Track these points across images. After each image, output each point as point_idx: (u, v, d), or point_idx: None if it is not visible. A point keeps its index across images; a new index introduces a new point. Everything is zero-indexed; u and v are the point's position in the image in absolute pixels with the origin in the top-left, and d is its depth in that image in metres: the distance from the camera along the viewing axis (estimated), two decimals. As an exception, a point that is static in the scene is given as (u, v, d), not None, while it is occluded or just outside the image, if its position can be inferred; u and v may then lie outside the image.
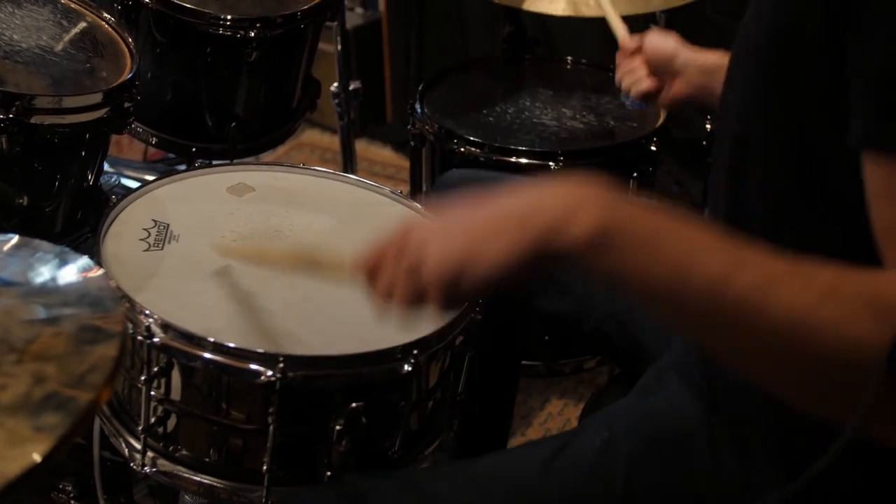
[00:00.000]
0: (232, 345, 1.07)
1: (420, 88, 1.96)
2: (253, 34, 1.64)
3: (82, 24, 1.53)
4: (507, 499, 1.08)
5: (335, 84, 2.31)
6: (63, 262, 0.90)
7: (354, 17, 3.12)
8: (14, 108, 1.26)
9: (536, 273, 0.83)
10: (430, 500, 1.08)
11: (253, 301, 1.19)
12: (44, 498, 1.56)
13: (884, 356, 0.71)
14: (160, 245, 1.26)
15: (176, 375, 1.11)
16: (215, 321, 1.13)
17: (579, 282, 1.41)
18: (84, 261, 0.90)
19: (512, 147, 1.77)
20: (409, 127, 1.90)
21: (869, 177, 0.81)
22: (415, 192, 1.97)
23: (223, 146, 1.79)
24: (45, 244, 0.92)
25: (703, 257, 0.77)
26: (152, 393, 1.12)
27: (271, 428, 1.08)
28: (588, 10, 1.87)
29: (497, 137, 1.82)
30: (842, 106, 0.81)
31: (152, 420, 1.14)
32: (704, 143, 1.84)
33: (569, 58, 2.15)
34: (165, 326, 1.09)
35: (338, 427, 1.09)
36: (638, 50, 1.51)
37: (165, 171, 1.67)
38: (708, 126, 1.84)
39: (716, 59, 1.39)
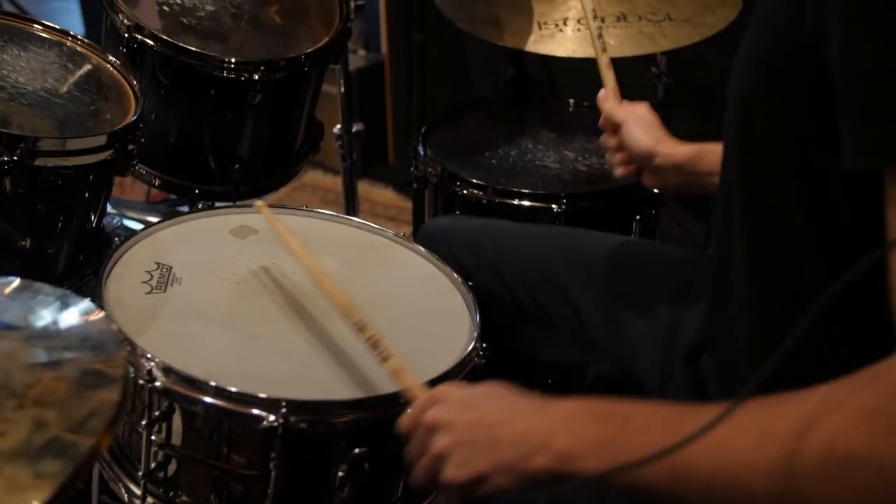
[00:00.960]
0: (234, 389, 1.06)
1: (423, 130, 1.97)
2: (257, 77, 1.65)
3: (87, 67, 1.54)
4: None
5: (338, 126, 2.32)
6: (65, 306, 0.90)
7: (357, 59, 3.14)
8: (18, 150, 1.26)
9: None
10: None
11: (255, 345, 1.18)
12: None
13: None
14: (163, 288, 1.25)
15: (177, 420, 1.10)
16: (217, 365, 1.13)
17: (583, 332, 1.40)
18: (86, 304, 0.89)
19: (515, 189, 1.76)
20: (411, 169, 1.90)
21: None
22: (417, 234, 1.96)
23: (226, 188, 1.79)
24: (46, 287, 0.91)
25: (646, 438, 0.82)
26: (153, 437, 1.11)
27: (273, 474, 1.07)
28: (591, 52, 1.88)
29: (500, 180, 1.82)
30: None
31: (153, 465, 1.12)
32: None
33: (571, 100, 2.15)
34: (167, 370, 1.08)
35: (340, 473, 1.08)
36: (618, 128, 1.45)
37: (168, 213, 1.67)
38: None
39: (690, 154, 1.38)
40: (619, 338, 1.37)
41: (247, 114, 1.73)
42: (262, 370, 1.14)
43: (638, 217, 1.77)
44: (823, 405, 0.75)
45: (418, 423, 0.97)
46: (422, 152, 1.89)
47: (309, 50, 1.73)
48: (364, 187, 3.13)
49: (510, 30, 1.90)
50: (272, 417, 1.05)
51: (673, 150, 1.39)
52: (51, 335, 0.86)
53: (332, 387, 1.12)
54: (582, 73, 1.72)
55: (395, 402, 1.08)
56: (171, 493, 1.14)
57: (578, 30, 1.87)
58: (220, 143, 1.77)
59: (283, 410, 1.04)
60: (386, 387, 1.10)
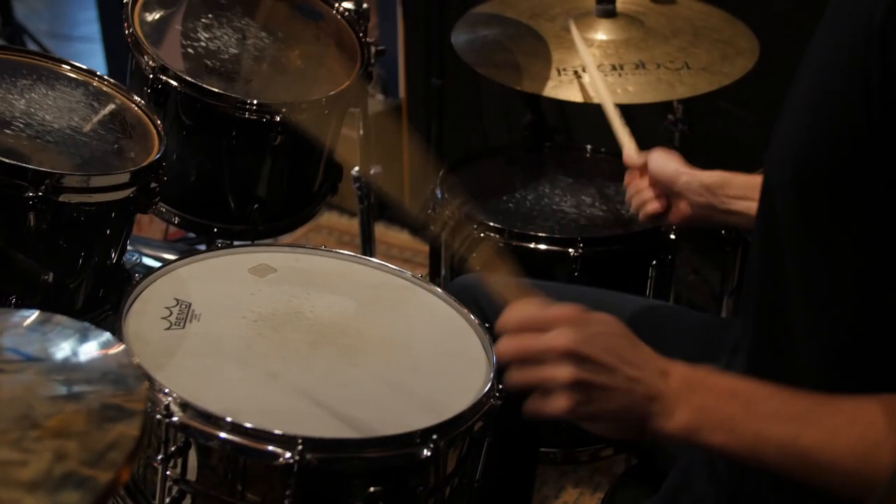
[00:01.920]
0: (250, 425, 1.06)
1: (441, 174, 1.98)
2: (278, 119, 1.67)
3: (111, 106, 1.56)
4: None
5: (356, 168, 2.34)
6: (84, 338, 0.91)
7: (375, 103, 3.18)
8: (43, 186, 1.28)
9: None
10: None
11: (273, 382, 1.18)
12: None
13: None
14: (182, 324, 1.26)
15: (193, 455, 1.10)
16: (234, 402, 1.13)
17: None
18: (105, 337, 0.90)
19: (531, 233, 1.77)
20: (429, 212, 1.91)
21: None
22: (434, 276, 1.97)
23: (244, 227, 1.80)
24: (66, 320, 0.92)
25: (772, 427, 0.91)
26: (168, 472, 1.11)
27: (288, 511, 1.07)
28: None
29: (517, 223, 1.83)
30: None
31: (167, 500, 1.12)
32: (723, 231, 1.84)
33: (588, 146, 2.17)
34: (184, 405, 1.08)
35: (356, 511, 1.07)
36: (644, 168, 1.52)
37: (186, 251, 1.68)
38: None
39: (716, 178, 1.43)
40: None
41: (267, 155, 1.75)
42: (278, 407, 1.15)
43: (654, 262, 1.78)
44: None
45: (546, 341, 0.97)
46: (439, 195, 1.90)
47: (330, 93, 1.75)
48: (380, 229, 3.15)
49: (528, 75, 1.92)
50: (288, 454, 1.05)
51: (700, 171, 1.45)
52: (72, 368, 0.87)
53: (348, 425, 1.12)
54: (599, 119, 1.74)
55: (412, 441, 1.08)
56: (185, 530, 1.14)
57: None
58: (241, 183, 1.78)
59: (300, 447, 1.04)
60: (403, 425, 1.10)
